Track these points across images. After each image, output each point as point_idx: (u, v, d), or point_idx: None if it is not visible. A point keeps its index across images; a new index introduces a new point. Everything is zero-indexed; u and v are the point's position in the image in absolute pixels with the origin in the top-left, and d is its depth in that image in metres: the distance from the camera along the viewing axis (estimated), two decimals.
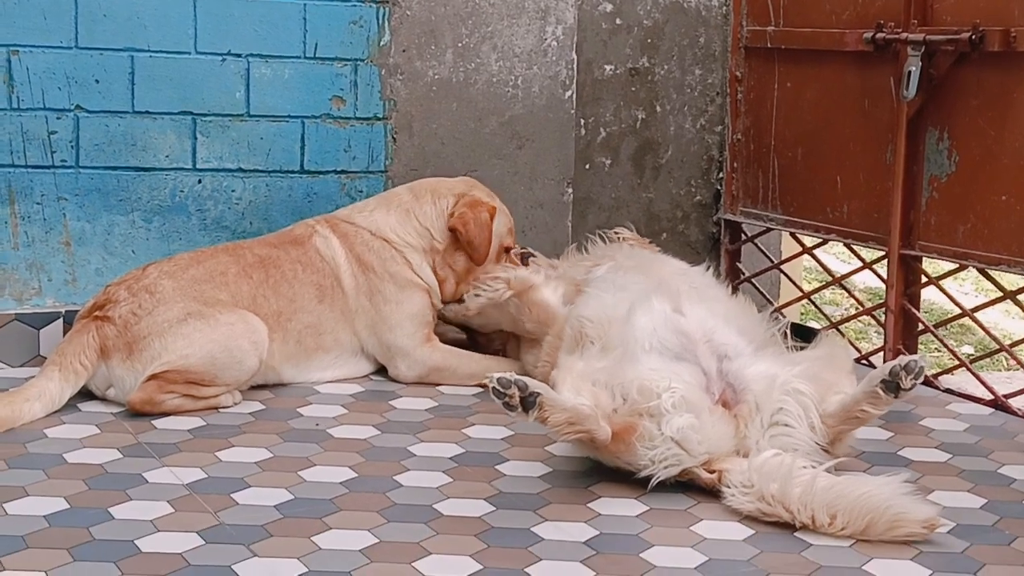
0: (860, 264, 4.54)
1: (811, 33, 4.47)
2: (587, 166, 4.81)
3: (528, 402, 2.92)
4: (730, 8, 4.83)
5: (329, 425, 3.56)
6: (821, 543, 2.82)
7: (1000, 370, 5.87)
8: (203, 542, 2.74)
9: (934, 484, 3.19)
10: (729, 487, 2.99)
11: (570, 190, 4.70)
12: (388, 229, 4.03)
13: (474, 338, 4.24)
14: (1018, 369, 4.09)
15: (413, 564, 2.66)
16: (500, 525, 2.88)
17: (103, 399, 3.66)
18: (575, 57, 4.66)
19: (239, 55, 4.23)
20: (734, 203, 4.87)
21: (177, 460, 3.24)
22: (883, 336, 4.30)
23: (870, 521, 2.81)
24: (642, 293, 3.41)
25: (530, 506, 3.00)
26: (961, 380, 4.27)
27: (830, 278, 4.88)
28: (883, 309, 4.31)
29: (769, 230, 4.83)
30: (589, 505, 3.01)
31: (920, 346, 4.48)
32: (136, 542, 2.73)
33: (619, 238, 4.21)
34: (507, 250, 4.14)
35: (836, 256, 7.59)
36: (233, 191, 4.27)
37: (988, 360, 5.49)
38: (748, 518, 2.94)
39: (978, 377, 4.05)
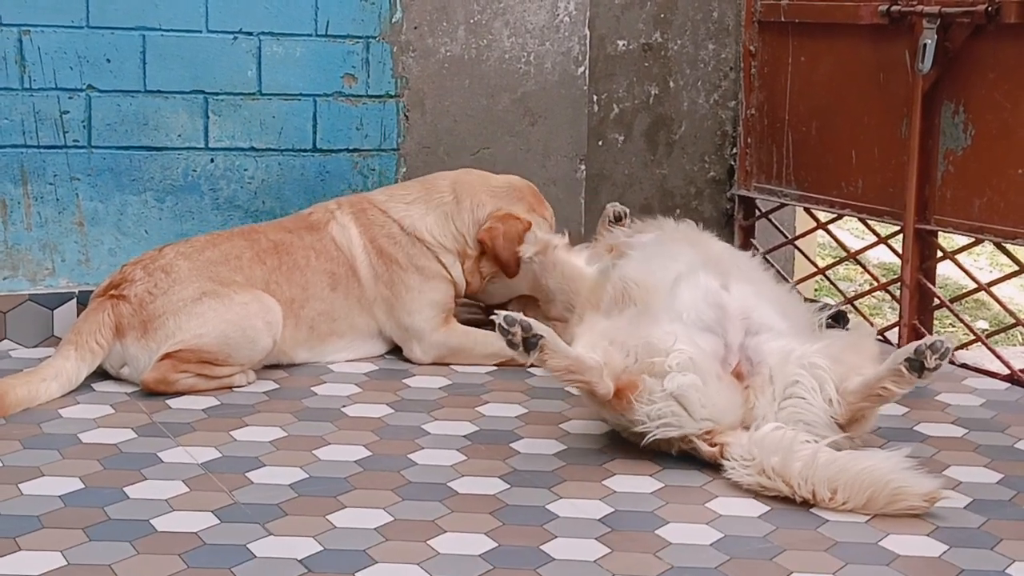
0: (875, 239, 4.52)
1: (825, 6, 4.44)
2: (600, 142, 4.79)
3: (530, 343, 2.97)
4: None
5: (344, 403, 3.56)
6: (836, 519, 2.81)
7: (1016, 344, 5.84)
8: (218, 521, 2.74)
9: (950, 459, 3.18)
10: (730, 460, 2.98)
11: (583, 167, 4.68)
12: (424, 230, 3.98)
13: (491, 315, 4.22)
14: None
15: (428, 542, 2.66)
16: (515, 503, 2.88)
17: (117, 378, 3.67)
18: (587, 33, 4.63)
19: (251, 33, 4.21)
20: (748, 179, 4.84)
21: (191, 439, 3.24)
22: (898, 311, 4.28)
23: (871, 495, 2.81)
24: (691, 265, 3.35)
25: (545, 483, 2.99)
26: (977, 355, 4.25)
27: (844, 253, 4.86)
28: (898, 284, 4.29)
29: (783, 205, 4.81)
30: (604, 482, 3.01)
31: (935, 321, 4.46)
32: (151, 521, 2.73)
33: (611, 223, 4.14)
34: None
35: (850, 231, 7.56)
36: (245, 170, 4.27)
37: (1003, 335, 5.46)
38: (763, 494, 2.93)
39: (994, 352, 4.03)
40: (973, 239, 4.10)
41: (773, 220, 4.87)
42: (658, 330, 3.12)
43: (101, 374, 3.67)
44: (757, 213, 4.90)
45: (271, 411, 3.48)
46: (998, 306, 4.19)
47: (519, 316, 2.98)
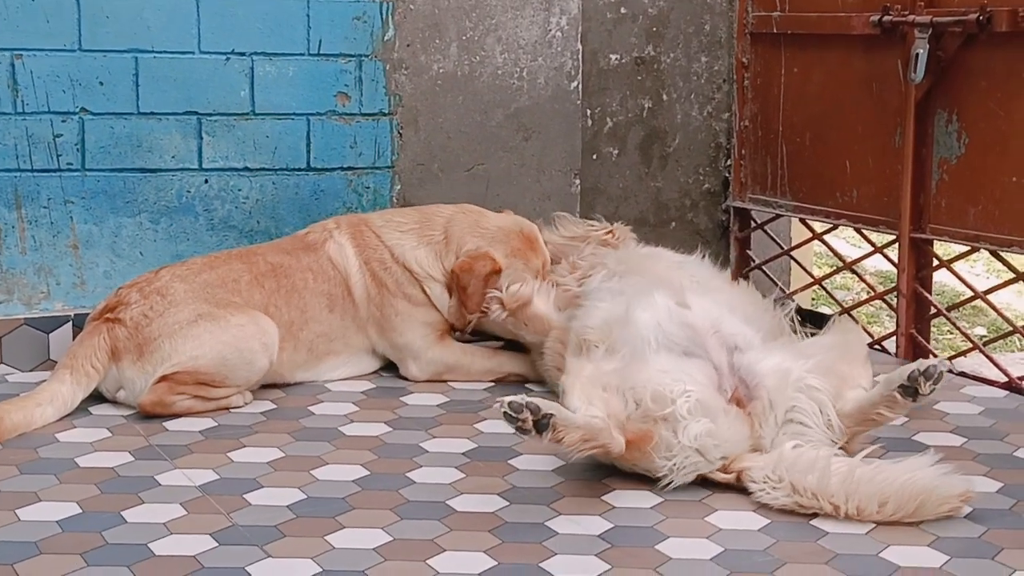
0: (871, 248, 4.52)
1: (817, 18, 4.45)
2: (594, 156, 4.79)
3: (541, 425, 2.85)
4: None
5: (342, 423, 3.55)
6: (837, 531, 2.80)
7: (1013, 351, 5.84)
8: (216, 544, 2.73)
9: (951, 468, 3.17)
10: (756, 483, 2.96)
11: (578, 181, 4.68)
12: (414, 261, 3.98)
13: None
14: None
15: (427, 561, 2.65)
16: (514, 520, 2.87)
17: (114, 402, 3.66)
18: (580, 47, 4.64)
19: (243, 54, 4.21)
20: (743, 190, 4.85)
21: (189, 462, 3.23)
22: (895, 320, 4.28)
23: (921, 503, 2.82)
24: (641, 290, 3.39)
25: (544, 500, 2.98)
26: (974, 363, 4.25)
27: (841, 263, 4.86)
28: (895, 293, 4.29)
29: (778, 216, 4.81)
30: (603, 498, 3.00)
31: (932, 328, 4.46)
32: (149, 545, 2.72)
33: (595, 231, 4.17)
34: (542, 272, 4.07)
35: (846, 240, 7.57)
36: (240, 190, 4.26)
37: (1001, 342, 5.46)
38: (765, 507, 2.93)
39: (992, 360, 4.03)
40: (969, 247, 4.09)
41: (769, 231, 4.87)
42: (651, 370, 3.09)
43: (98, 397, 3.66)
44: (752, 224, 4.90)
45: (268, 432, 3.48)
46: (995, 313, 4.18)
47: (524, 399, 2.86)
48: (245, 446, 3.35)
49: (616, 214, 4.73)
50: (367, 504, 2.96)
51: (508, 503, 2.97)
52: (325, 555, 2.68)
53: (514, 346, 4.07)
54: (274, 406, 3.70)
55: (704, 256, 3.92)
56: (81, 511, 2.91)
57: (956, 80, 3.98)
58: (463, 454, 3.31)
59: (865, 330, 4.58)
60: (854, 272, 4.76)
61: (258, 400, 3.73)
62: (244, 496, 3.00)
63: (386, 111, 4.41)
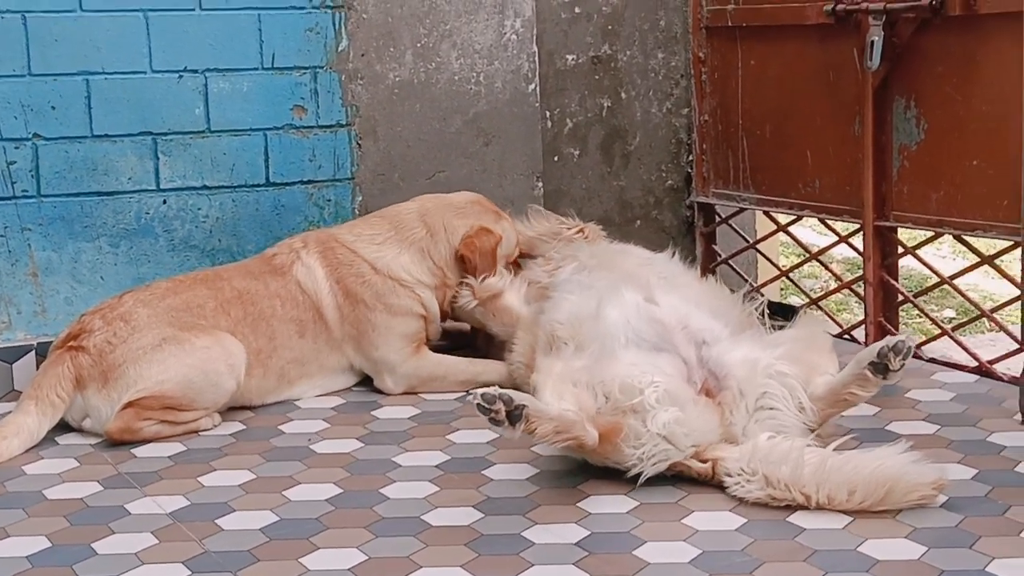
0: (836, 238, 4.52)
1: (771, 9, 4.44)
2: (556, 158, 4.77)
3: (514, 416, 2.87)
4: None
5: (315, 440, 3.52)
6: (814, 527, 2.80)
7: (983, 332, 5.85)
8: (189, 572, 2.70)
9: (924, 457, 3.16)
10: (730, 476, 2.96)
11: (540, 184, 4.66)
12: (401, 269, 3.95)
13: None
14: (1001, 331, 4.06)
15: None
16: (490, 532, 2.85)
17: (80, 430, 3.62)
18: (536, 49, 4.62)
19: (196, 71, 4.17)
20: (706, 185, 4.84)
21: (159, 488, 3.19)
22: (863, 309, 4.27)
23: (888, 490, 2.82)
24: (611, 287, 3.39)
25: (519, 510, 2.96)
26: (945, 347, 4.25)
27: (807, 254, 4.86)
28: (861, 282, 4.28)
29: (742, 210, 4.80)
30: (579, 505, 2.98)
31: (901, 314, 4.46)
32: None
33: (567, 228, 4.18)
34: (514, 263, 4.09)
35: (812, 229, 7.57)
36: (199, 209, 4.22)
37: (971, 325, 5.47)
38: (741, 506, 2.92)
39: (961, 345, 4.03)
40: (932, 233, 4.10)
41: (733, 225, 4.86)
42: (620, 365, 3.10)
43: (65, 426, 3.61)
44: (717, 219, 4.89)
45: (238, 453, 3.44)
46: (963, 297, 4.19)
47: (497, 391, 2.88)
48: (215, 469, 3.32)
49: (581, 215, 4.70)
50: (341, 523, 2.93)
51: (483, 515, 2.94)
52: None
53: (490, 354, 4.06)
54: (244, 427, 3.67)
55: (673, 253, 3.93)
56: (51, 544, 2.87)
57: (912, 66, 3.98)
58: (436, 467, 3.28)
59: (833, 319, 4.59)
60: (820, 262, 4.76)
61: (227, 422, 3.69)
62: (216, 521, 2.96)
63: (344, 122, 4.37)
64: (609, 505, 2.97)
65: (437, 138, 4.49)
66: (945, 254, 7.26)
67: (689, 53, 4.84)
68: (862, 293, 4.30)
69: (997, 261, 3.94)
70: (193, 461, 3.39)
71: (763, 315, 3.58)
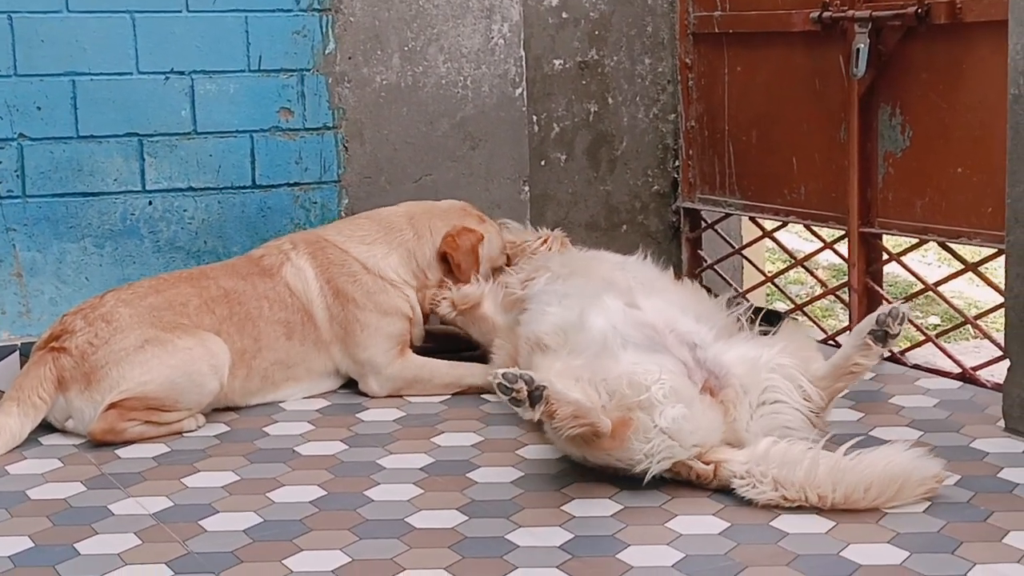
0: (821, 244, 4.53)
1: (758, 16, 4.45)
2: (542, 163, 4.78)
3: (535, 396, 2.86)
4: None
5: (297, 442, 3.51)
6: (797, 531, 2.80)
7: (968, 339, 5.87)
8: (172, 573, 2.69)
9: (924, 452, 3.17)
10: (740, 478, 2.96)
11: (527, 188, 4.66)
12: (390, 270, 3.97)
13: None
14: (984, 338, 4.08)
15: None
16: (474, 535, 2.84)
17: (63, 431, 3.60)
18: (523, 54, 4.62)
19: (182, 72, 4.17)
20: (692, 191, 4.85)
21: (142, 489, 3.18)
22: (848, 314, 4.29)
23: (901, 485, 2.88)
24: (589, 294, 3.40)
25: (503, 513, 2.96)
26: (929, 353, 4.26)
27: (792, 260, 4.87)
28: (846, 288, 4.30)
29: (728, 216, 4.82)
30: (563, 508, 2.98)
31: None
32: None
33: (531, 240, 4.20)
34: (497, 269, 4.10)
35: (798, 235, 7.58)
36: (185, 211, 4.22)
37: (955, 331, 5.49)
38: (725, 510, 2.92)
39: (945, 351, 4.04)
40: (917, 240, 4.11)
41: (719, 231, 4.87)
42: (622, 364, 3.09)
43: (48, 427, 3.60)
44: (703, 225, 4.90)
45: (223, 455, 3.43)
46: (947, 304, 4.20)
47: (518, 371, 2.87)
48: (199, 471, 3.31)
49: (567, 219, 4.72)
50: (325, 525, 2.92)
51: (467, 518, 2.94)
52: None
53: (475, 357, 4.07)
54: (228, 428, 3.66)
55: (645, 256, 3.94)
56: (33, 544, 2.86)
57: (898, 73, 4.00)
58: (421, 469, 3.28)
59: (819, 325, 4.60)
60: (806, 268, 4.77)
61: (211, 423, 3.69)
62: (199, 522, 2.96)
63: (330, 125, 4.37)
64: (593, 508, 2.97)
65: (424, 141, 4.49)
66: (930, 261, 7.28)
67: (676, 59, 4.85)
68: (847, 299, 4.31)
69: (981, 268, 3.96)
70: (177, 462, 3.38)
71: (748, 320, 3.59)
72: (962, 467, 3.15)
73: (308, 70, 4.32)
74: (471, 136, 4.56)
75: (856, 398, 3.68)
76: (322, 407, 3.85)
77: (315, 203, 4.37)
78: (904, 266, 4.23)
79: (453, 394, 3.93)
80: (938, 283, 4.13)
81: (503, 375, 2.86)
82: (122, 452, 3.47)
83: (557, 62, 4.77)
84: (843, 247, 4.35)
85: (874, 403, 3.67)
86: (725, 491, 3.02)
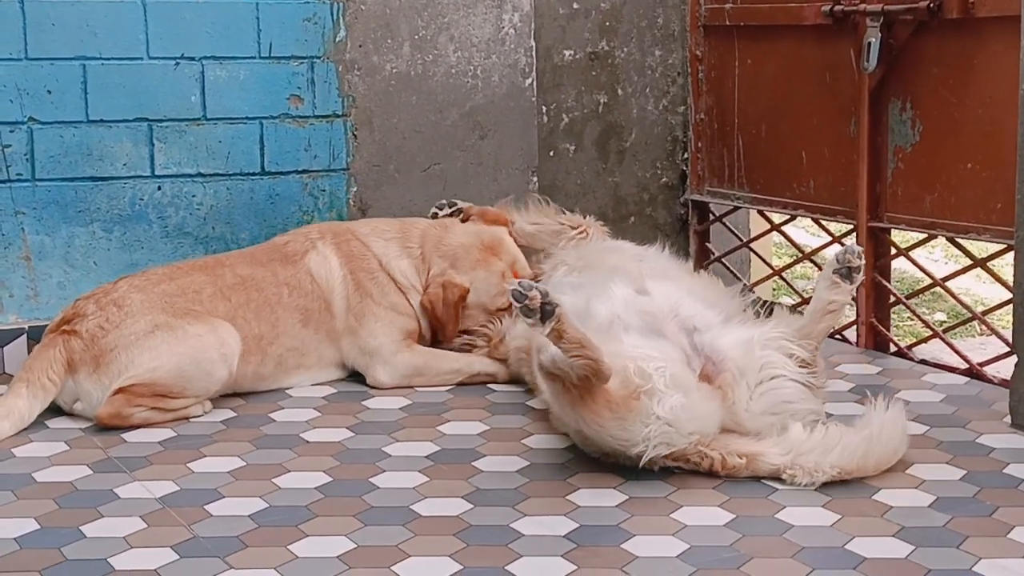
0: (829, 239, 4.53)
1: (769, 9, 4.45)
2: (551, 153, 4.78)
3: (547, 310, 2.86)
4: None
5: (303, 429, 3.52)
6: (802, 524, 2.80)
7: (974, 336, 5.87)
8: (177, 557, 2.69)
9: (912, 457, 3.18)
10: (790, 470, 3.00)
11: (535, 178, 4.66)
12: (399, 272, 3.98)
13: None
14: (992, 334, 4.08)
15: (392, 568, 2.62)
16: (479, 523, 2.85)
17: (71, 414, 3.61)
18: (534, 44, 4.62)
19: (193, 58, 4.17)
20: (700, 183, 4.84)
21: (148, 473, 3.19)
22: (855, 309, 4.28)
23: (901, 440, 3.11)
24: (599, 283, 3.41)
25: (508, 502, 2.96)
26: (935, 349, 4.26)
27: (800, 253, 4.86)
28: None
29: (736, 208, 4.81)
30: (568, 497, 2.98)
31: (893, 315, 4.47)
32: (109, 560, 2.68)
33: (569, 228, 4.19)
34: (501, 309, 4.05)
35: (806, 229, 7.58)
36: (194, 196, 4.22)
37: (961, 327, 5.49)
38: (730, 501, 2.93)
39: (952, 347, 4.04)
40: (926, 235, 4.11)
41: (727, 223, 4.87)
42: (624, 346, 3.10)
43: (55, 410, 3.61)
44: (711, 217, 4.90)
45: (229, 440, 3.44)
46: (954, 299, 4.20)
47: (534, 283, 2.89)
48: (205, 456, 3.32)
49: (575, 210, 4.71)
50: (330, 511, 2.93)
51: (472, 506, 2.95)
52: (288, 564, 2.65)
53: None
54: (234, 414, 3.66)
55: (664, 248, 3.94)
56: (39, 527, 2.87)
57: (909, 68, 3.99)
58: (426, 457, 3.28)
59: None
60: (813, 262, 4.77)
61: (218, 408, 3.69)
62: (205, 507, 2.96)
63: (340, 113, 4.37)
64: (598, 498, 2.97)
65: (433, 130, 4.49)
66: (937, 258, 7.27)
67: (686, 51, 4.84)
68: (854, 294, 4.30)
69: (989, 264, 3.95)
70: (183, 447, 3.39)
71: (758, 311, 3.60)
72: (968, 462, 3.15)
73: (318, 57, 4.32)
74: (480, 126, 4.55)
75: (864, 393, 3.67)
76: (328, 394, 3.85)
77: (323, 191, 4.37)
78: (912, 261, 4.23)
79: (460, 383, 3.93)
80: (946, 278, 4.13)
81: (518, 283, 2.87)
82: (128, 436, 3.48)
83: (567, 53, 4.77)
84: (851, 241, 4.35)
85: (882, 398, 3.66)
86: (731, 482, 3.03)
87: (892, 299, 4.25)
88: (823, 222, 4.49)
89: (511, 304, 4.01)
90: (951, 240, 4.06)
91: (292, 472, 3.18)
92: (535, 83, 4.63)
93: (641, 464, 3.02)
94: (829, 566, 2.60)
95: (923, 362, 4.06)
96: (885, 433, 3.05)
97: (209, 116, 4.20)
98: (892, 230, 4.17)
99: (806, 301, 4.61)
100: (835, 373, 3.97)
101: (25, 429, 3.49)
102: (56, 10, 3.99)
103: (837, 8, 4.11)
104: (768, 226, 4.81)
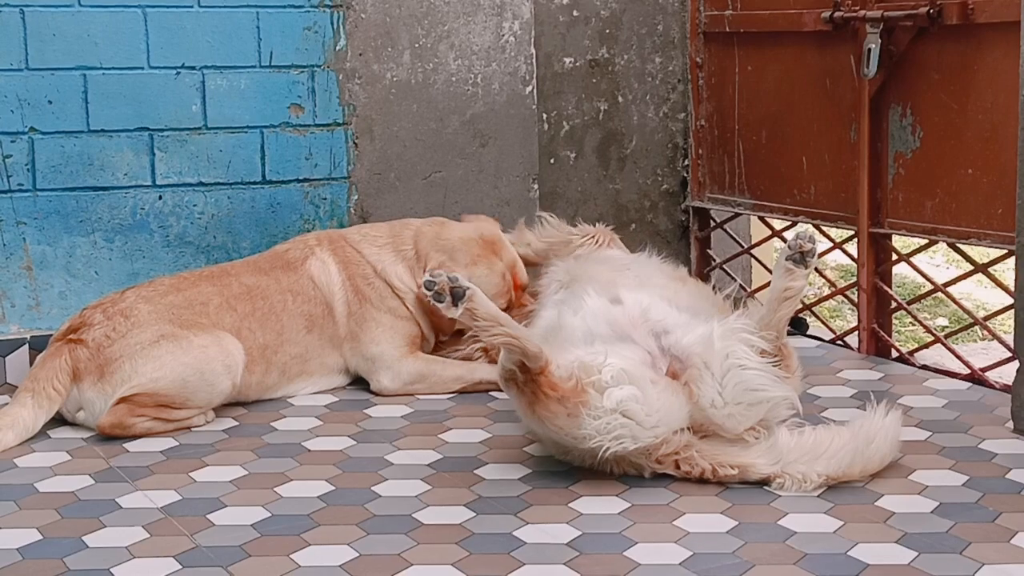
0: (830, 244, 4.53)
1: (769, 15, 4.45)
2: (552, 160, 4.78)
3: (457, 293, 2.98)
4: None
5: (305, 438, 3.52)
6: (805, 530, 2.80)
7: (976, 341, 5.86)
8: (180, 567, 2.69)
9: (915, 463, 3.18)
10: (779, 479, 3.02)
11: (536, 186, 4.66)
12: (394, 276, 3.98)
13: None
14: (993, 340, 4.08)
15: None
16: (481, 531, 2.85)
17: (73, 423, 3.61)
18: (534, 51, 4.63)
19: (193, 67, 4.17)
20: (701, 190, 4.85)
21: (151, 483, 3.19)
22: (857, 315, 4.28)
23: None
24: (577, 295, 3.46)
25: (511, 510, 2.96)
26: (937, 354, 4.26)
27: None
28: (855, 288, 4.29)
29: (737, 215, 4.81)
30: (570, 505, 2.98)
31: (895, 321, 4.47)
32: (112, 570, 2.68)
33: (578, 237, 4.19)
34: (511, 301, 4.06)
35: None
36: (195, 206, 4.22)
37: (963, 332, 5.48)
38: (733, 508, 2.93)
39: (954, 352, 4.04)
40: (927, 240, 4.11)
41: (728, 230, 4.87)
42: (579, 351, 3.13)
43: (57, 420, 3.61)
44: (712, 224, 4.90)
45: (231, 449, 3.44)
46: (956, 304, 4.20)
47: (443, 271, 3.02)
48: (207, 465, 3.32)
49: (576, 217, 4.71)
50: (333, 520, 2.93)
51: (475, 514, 2.94)
52: (291, 574, 2.64)
53: None
54: (236, 423, 3.67)
55: (651, 253, 3.94)
56: (42, 537, 2.87)
57: (909, 74, 4.00)
58: (429, 465, 3.28)
59: (827, 325, 4.60)
60: (814, 268, 4.76)
61: (220, 417, 3.69)
62: (207, 516, 2.96)
63: (340, 121, 4.38)
64: (601, 506, 2.97)
65: (434, 138, 4.50)
66: (939, 263, 7.27)
67: (686, 58, 4.85)
68: (856, 299, 4.31)
69: (990, 270, 3.95)
70: (185, 456, 3.39)
71: (737, 303, 3.64)
72: (971, 468, 3.15)
73: (319, 66, 4.33)
74: (481, 133, 4.56)
75: (865, 399, 3.66)
76: (330, 403, 3.85)
77: (324, 199, 4.37)
78: (914, 267, 4.23)
79: (462, 391, 3.93)
80: (947, 284, 4.13)
81: (429, 272, 3.03)
82: (130, 446, 3.48)
83: (567, 60, 4.77)
84: (852, 247, 4.35)
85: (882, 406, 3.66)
86: (733, 489, 3.03)
87: (894, 305, 4.25)
88: (824, 228, 4.49)
89: (509, 306, 4.08)
90: (952, 246, 4.06)
91: (294, 481, 3.18)
92: (535, 91, 4.64)
93: (600, 457, 3.03)
94: (832, 573, 2.60)
95: (925, 367, 4.06)
96: (875, 442, 3.06)
97: (210, 125, 4.21)
98: (893, 236, 4.17)
99: (807, 307, 4.61)
100: (837, 379, 3.97)
101: (28, 440, 3.49)
102: (57, 20, 4.00)
103: (837, 14, 4.11)
104: (769, 232, 4.81)
